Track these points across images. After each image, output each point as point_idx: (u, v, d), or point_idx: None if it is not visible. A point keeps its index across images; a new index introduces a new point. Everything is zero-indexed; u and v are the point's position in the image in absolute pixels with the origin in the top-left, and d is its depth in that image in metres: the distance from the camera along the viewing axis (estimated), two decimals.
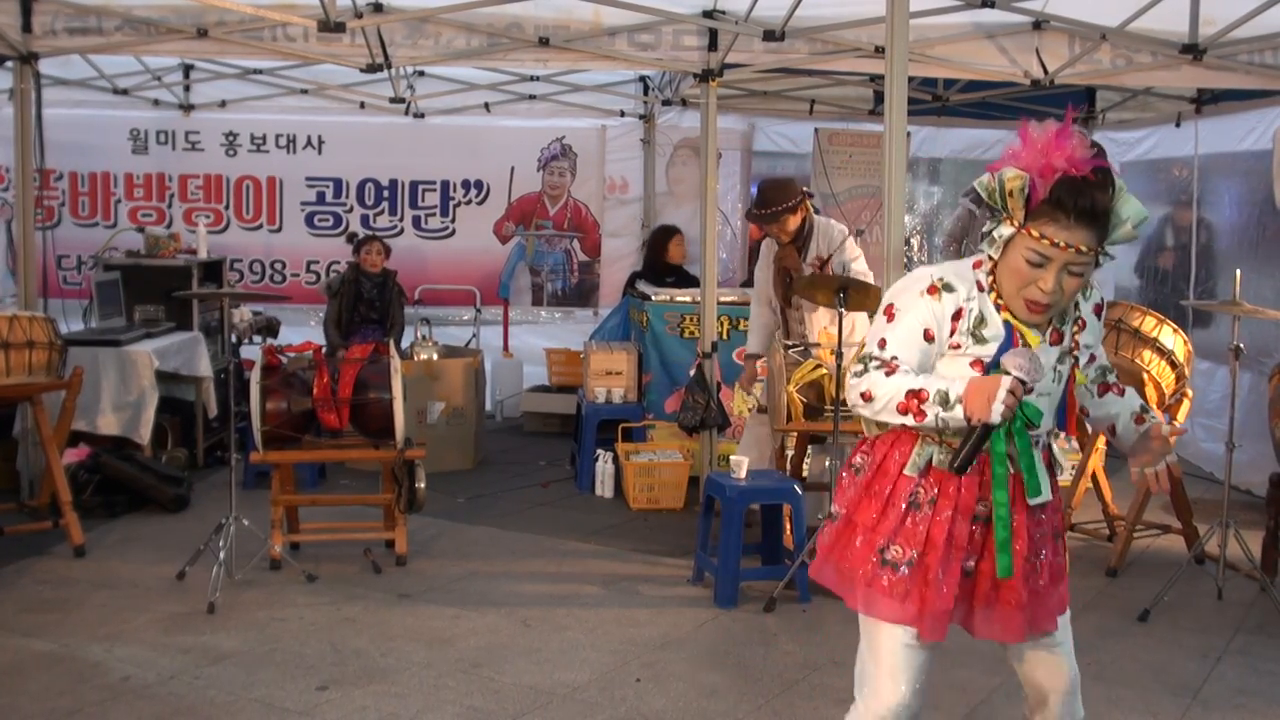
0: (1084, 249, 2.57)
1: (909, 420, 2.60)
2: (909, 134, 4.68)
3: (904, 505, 2.77)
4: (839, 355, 5.55)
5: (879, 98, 9.37)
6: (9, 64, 6.78)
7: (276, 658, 4.78)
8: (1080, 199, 2.55)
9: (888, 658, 2.82)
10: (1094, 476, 6.56)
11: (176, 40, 6.54)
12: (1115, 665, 4.90)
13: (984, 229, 2.73)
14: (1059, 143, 2.58)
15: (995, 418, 2.51)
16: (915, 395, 2.58)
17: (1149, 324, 5.93)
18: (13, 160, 6.94)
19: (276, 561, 5.86)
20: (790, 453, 6.31)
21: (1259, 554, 5.82)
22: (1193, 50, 6.29)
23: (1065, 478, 6.75)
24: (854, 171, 9.99)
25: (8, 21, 6.45)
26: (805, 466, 6.42)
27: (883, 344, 2.69)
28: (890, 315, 2.72)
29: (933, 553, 2.74)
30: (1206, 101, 8.72)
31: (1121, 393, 2.94)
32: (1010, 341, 2.67)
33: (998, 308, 2.70)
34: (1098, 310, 2.87)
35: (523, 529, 6.82)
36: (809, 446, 6.42)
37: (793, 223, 6.35)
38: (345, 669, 4.69)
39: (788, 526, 5.89)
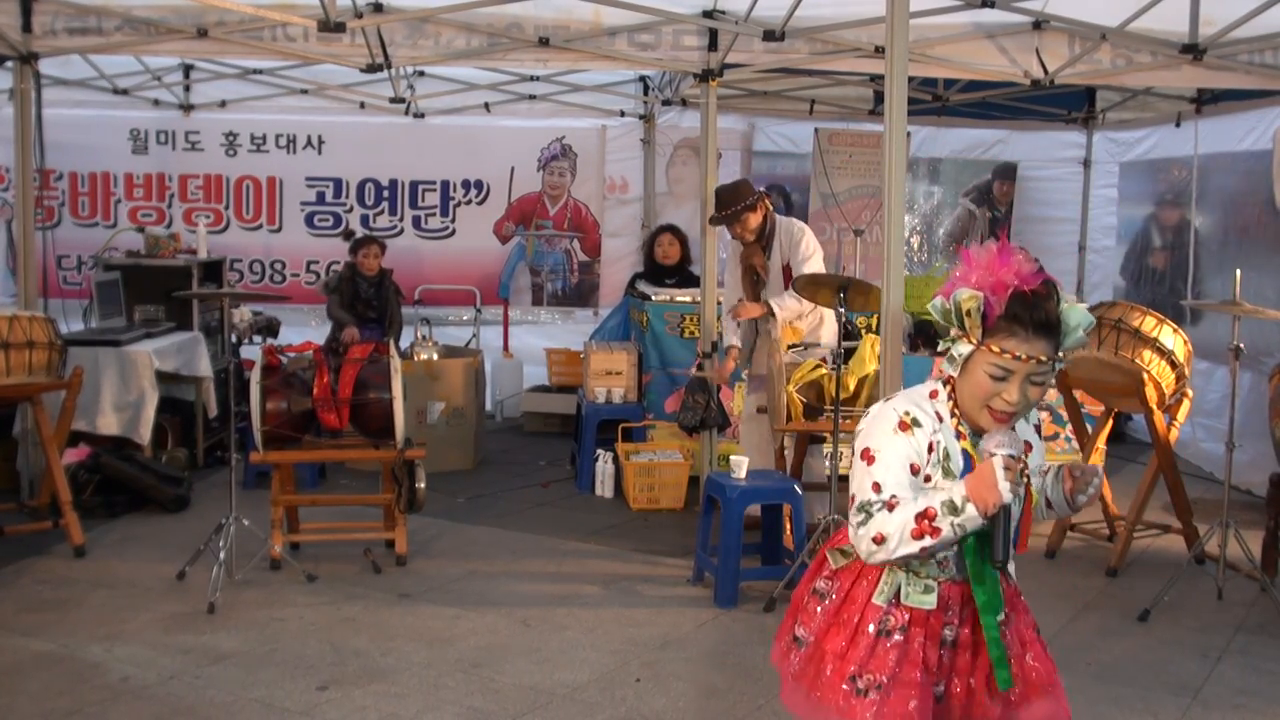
0: (1044, 359, 2.61)
1: (926, 543, 2.59)
2: (909, 134, 4.67)
3: (872, 633, 2.77)
4: (838, 355, 5.56)
5: (879, 98, 9.37)
6: (9, 64, 6.78)
7: (276, 658, 4.79)
8: (1035, 312, 2.61)
9: None
10: None
11: (176, 40, 6.54)
12: (1116, 665, 4.91)
13: (939, 348, 2.77)
14: (1004, 260, 2.63)
15: (1007, 496, 2.53)
16: (923, 516, 2.59)
17: (1149, 324, 5.92)
18: (13, 160, 6.94)
19: (276, 561, 5.86)
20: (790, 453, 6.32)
21: (1259, 554, 5.82)
22: (1193, 50, 6.29)
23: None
24: (854, 171, 9.99)
25: (8, 21, 6.45)
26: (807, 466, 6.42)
27: (877, 487, 2.68)
28: (870, 459, 2.71)
29: (907, 684, 2.74)
30: (1206, 101, 8.73)
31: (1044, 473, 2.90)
32: (969, 469, 2.69)
33: (957, 435, 2.73)
34: (1038, 429, 2.91)
35: (523, 529, 6.82)
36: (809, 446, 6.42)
37: (754, 220, 6.45)
38: (345, 669, 4.69)
39: (788, 526, 5.90)
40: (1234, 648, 5.14)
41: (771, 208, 6.61)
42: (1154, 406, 5.94)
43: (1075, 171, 10.36)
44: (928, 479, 2.69)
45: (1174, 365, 5.92)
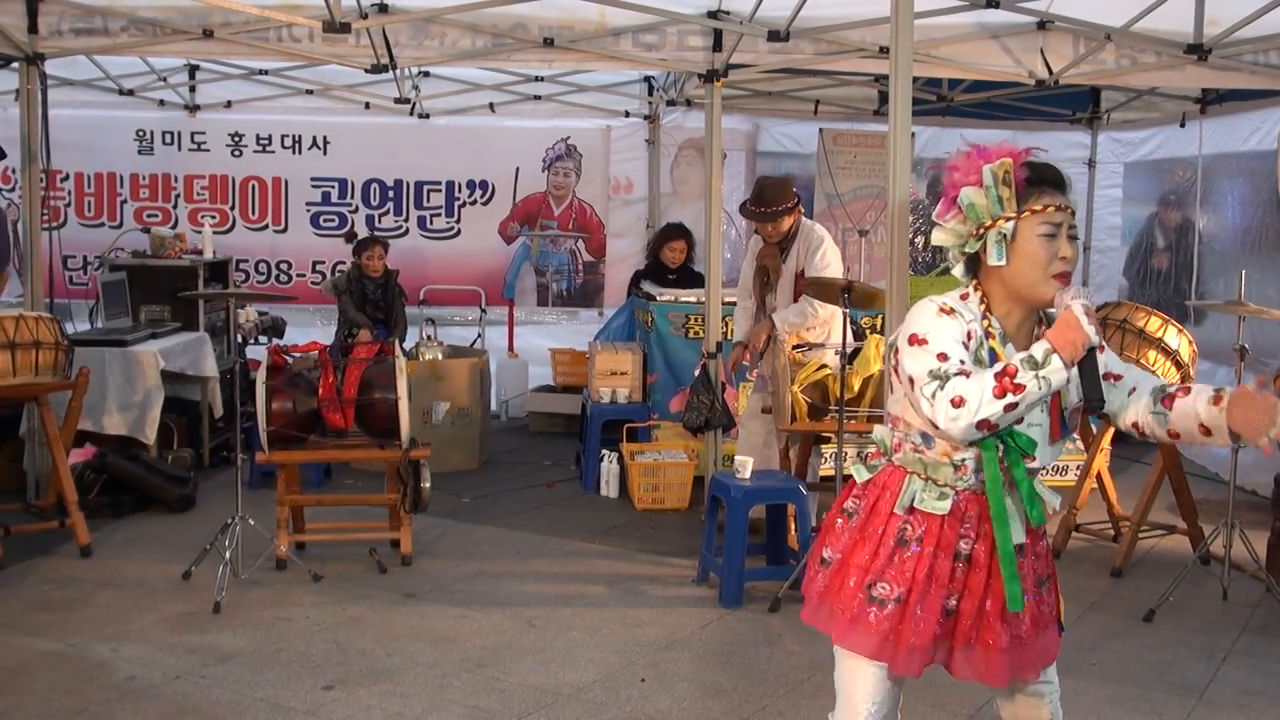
0: (1072, 209, 2.71)
1: (1010, 400, 2.52)
2: (913, 134, 4.68)
3: (893, 543, 2.78)
4: (844, 355, 5.56)
5: (883, 98, 9.38)
6: (15, 65, 6.80)
7: (282, 657, 4.80)
8: (1047, 169, 2.73)
9: (862, 687, 2.85)
10: (1099, 477, 6.56)
11: (182, 41, 6.56)
12: (1120, 665, 4.91)
13: (956, 260, 2.81)
14: (983, 149, 2.74)
15: (1095, 337, 2.56)
16: (1004, 374, 2.54)
17: (1154, 324, 5.93)
18: (19, 161, 6.96)
19: (282, 561, 5.87)
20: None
21: (1264, 554, 5.82)
22: (1197, 50, 6.29)
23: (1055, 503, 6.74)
24: (858, 172, 9.99)
25: (13, 23, 6.46)
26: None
27: (943, 357, 2.63)
28: (922, 340, 2.67)
29: (915, 590, 2.75)
30: (1211, 101, 8.73)
31: (1188, 392, 2.81)
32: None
33: (986, 335, 2.73)
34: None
35: (528, 529, 6.83)
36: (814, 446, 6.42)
37: (786, 223, 6.42)
38: (350, 669, 4.70)
39: (792, 527, 5.90)
40: (1239, 648, 5.14)
41: (801, 213, 6.58)
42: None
43: (1080, 172, 10.36)
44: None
45: (1179, 365, 5.92)
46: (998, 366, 2.57)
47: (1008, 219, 2.68)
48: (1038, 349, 2.55)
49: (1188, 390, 2.79)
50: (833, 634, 2.85)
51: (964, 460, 2.74)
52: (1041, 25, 6.47)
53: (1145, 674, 4.83)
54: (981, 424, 2.55)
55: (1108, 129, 10.23)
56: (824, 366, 6.00)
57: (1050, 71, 6.62)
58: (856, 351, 5.97)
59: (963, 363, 2.63)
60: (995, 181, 2.68)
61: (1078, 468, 7.07)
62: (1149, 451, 7.47)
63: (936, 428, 2.60)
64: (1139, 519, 6.17)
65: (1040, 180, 2.70)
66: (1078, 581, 5.98)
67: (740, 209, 6.66)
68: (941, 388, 2.58)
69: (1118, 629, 5.35)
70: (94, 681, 4.51)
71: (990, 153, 2.71)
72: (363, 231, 9.61)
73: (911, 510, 2.79)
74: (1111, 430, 6.60)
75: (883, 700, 2.86)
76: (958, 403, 2.55)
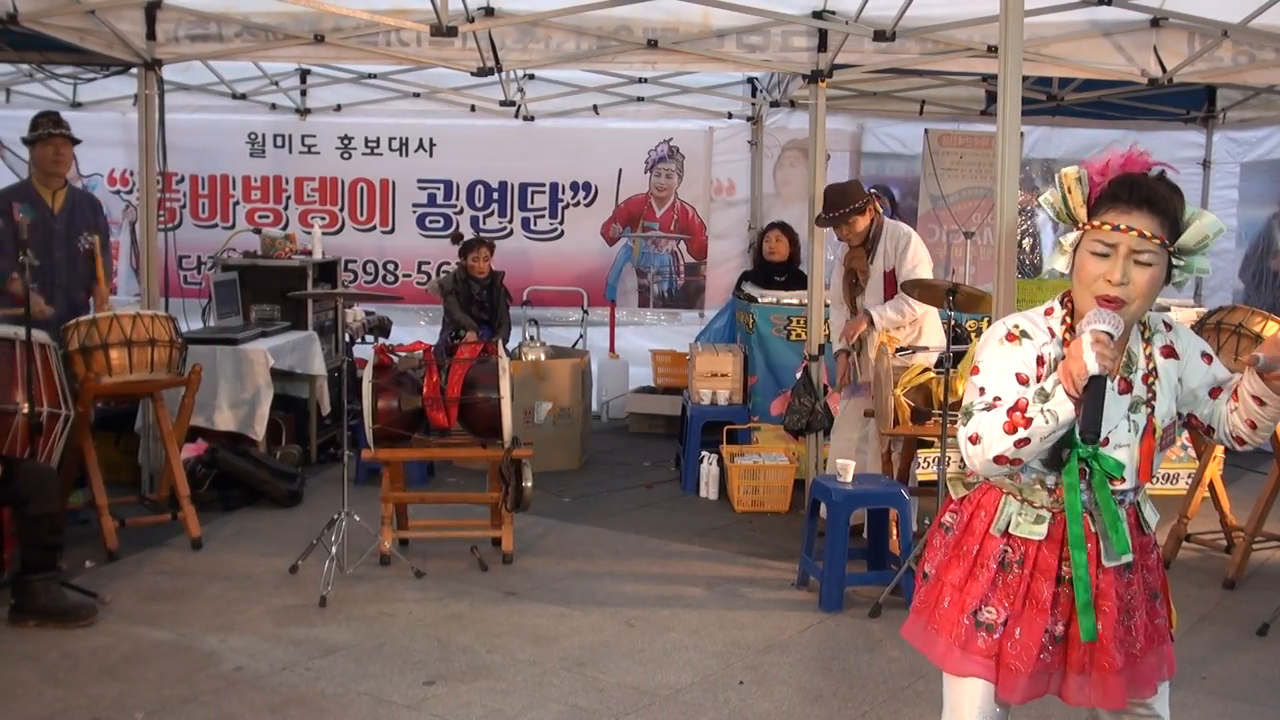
0: (1147, 234, 2.55)
1: (1020, 435, 2.51)
2: (1022, 134, 4.60)
3: (995, 565, 2.74)
4: (947, 359, 5.49)
5: (991, 98, 9.24)
6: (134, 71, 7.00)
7: (385, 651, 4.87)
8: (1137, 189, 2.58)
9: (970, 703, 2.79)
10: (1211, 486, 6.39)
11: (294, 46, 6.70)
12: (1233, 680, 4.77)
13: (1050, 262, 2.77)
14: (1120, 157, 2.67)
15: (1093, 367, 2.44)
16: (1015, 409, 2.53)
17: (1271, 328, 5.76)
18: (137, 164, 7.15)
19: (386, 557, 5.95)
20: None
21: None
22: None
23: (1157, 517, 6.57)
24: (964, 173, 9.86)
25: (133, 29, 6.65)
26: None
27: (981, 392, 2.65)
28: (976, 370, 2.70)
29: (1013, 614, 2.71)
30: None
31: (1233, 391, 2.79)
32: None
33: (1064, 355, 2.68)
34: (1168, 352, 2.77)
35: (627, 529, 6.85)
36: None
37: (860, 224, 6.37)
38: (451, 664, 4.75)
39: (894, 531, 5.84)
40: None
41: (880, 211, 6.54)
42: None
43: (1194, 172, 10.10)
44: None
45: None
46: (1013, 401, 2.54)
47: (1076, 228, 2.65)
48: (1049, 382, 2.52)
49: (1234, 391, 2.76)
50: (935, 656, 2.81)
51: (1058, 483, 2.69)
52: (1155, 22, 6.33)
53: (1259, 690, 4.69)
54: (999, 459, 2.56)
55: (1223, 128, 9.97)
56: (927, 370, 5.93)
57: (1164, 70, 6.47)
58: (960, 355, 5.89)
59: (996, 399, 2.61)
60: (1065, 189, 2.65)
61: (1189, 476, 6.89)
62: (1264, 460, 7.25)
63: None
64: (1254, 529, 5.99)
65: (1115, 196, 2.59)
66: (1189, 592, 5.82)
67: (815, 220, 6.62)
68: (964, 424, 2.61)
69: (1230, 642, 5.20)
70: (203, 671, 4.62)
71: (1113, 161, 2.66)
72: (468, 233, 9.71)
73: (1006, 533, 2.75)
74: None
75: (990, 717, 2.80)
76: (974, 440, 2.58)
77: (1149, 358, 2.72)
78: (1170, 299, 8.26)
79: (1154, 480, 2.84)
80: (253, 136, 10.12)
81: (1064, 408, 2.49)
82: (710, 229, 10.36)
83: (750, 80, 9.61)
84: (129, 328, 6.00)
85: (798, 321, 7.94)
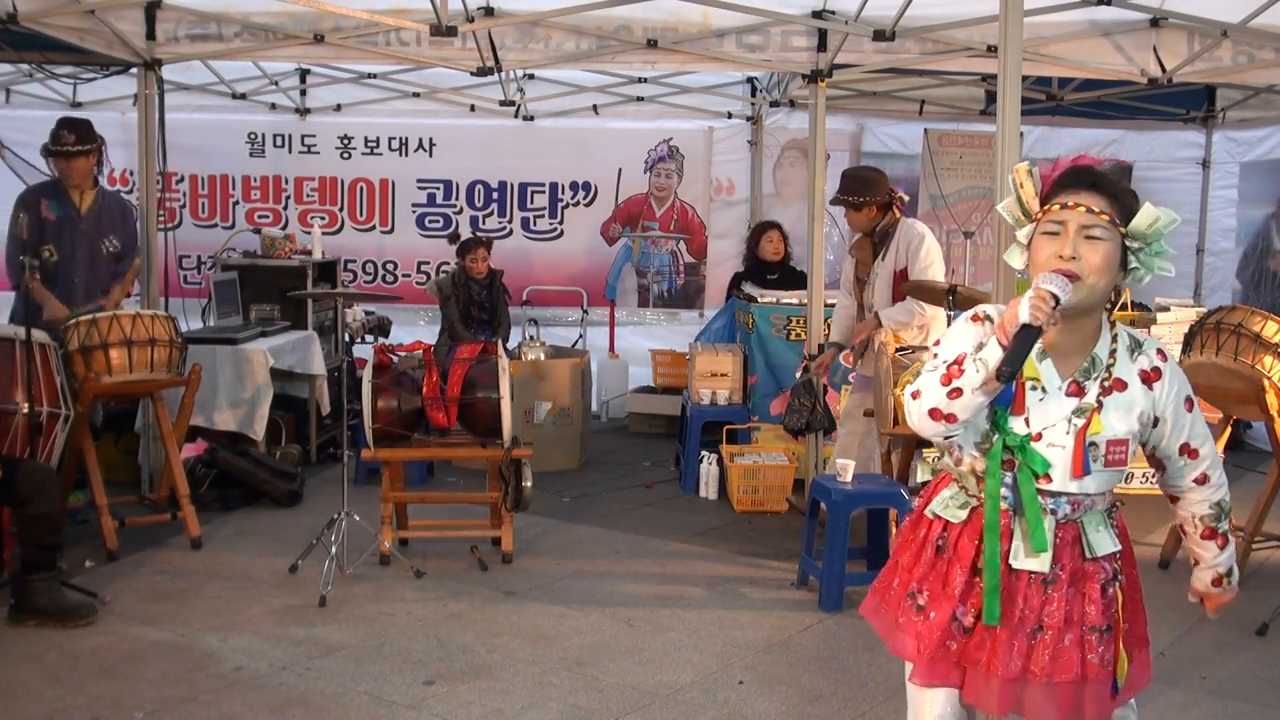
0: (1095, 209, 2.58)
1: (953, 385, 2.53)
2: (1022, 134, 4.61)
3: (932, 552, 2.78)
4: None
5: (991, 98, 9.24)
6: (134, 70, 7.00)
7: (385, 651, 4.87)
8: (1084, 172, 2.65)
9: (923, 704, 2.84)
10: None
11: (293, 46, 6.70)
12: (1231, 680, 4.77)
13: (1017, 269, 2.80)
14: (1070, 158, 2.75)
15: (1025, 315, 2.46)
16: (954, 363, 2.57)
17: (1270, 329, 5.75)
18: (137, 164, 7.16)
19: (386, 557, 5.95)
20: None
21: None
22: None
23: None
24: (964, 173, 9.86)
25: (133, 29, 6.65)
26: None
27: (934, 358, 2.70)
28: (938, 343, 2.78)
29: (934, 596, 2.75)
30: None
31: (1204, 480, 2.88)
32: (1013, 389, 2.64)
33: None
34: (1147, 378, 2.71)
35: (627, 529, 6.85)
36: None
37: (867, 214, 6.37)
38: (451, 664, 4.75)
39: (894, 531, 5.84)
40: None
41: (900, 211, 6.50)
42: (1274, 413, 5.77)
43: (1193, 172, 10.11)
44: None
45: None
46: (953, 358, 2.59)
47: (1030, 223, 2.69)
48: (990, 343, 2.55)
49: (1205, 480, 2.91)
50: (880, 633, 2.88)
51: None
52: (1155, 22, 6.33)
53: (1258, 689, 4.69)
54: (933, 412, 2.59)
55: (1223, 128, 9.98)
56: None
57: (1164, 69, 6.48)
58: None
59: (944, 362, 2.64)
60: (1017, 184, 2.69)
61: None
62: (1264, 460, 7.25)
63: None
64: (1253, 529, 6.00)
65: (1063, 182, 2.64)
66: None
67: (830, 201, 6.64)
68: (912, 384, 2.65)
69: (1229, 642, 5.20)
70: (203, 670, 4.62)
71: (1070, 159, 2.73)
72: (466, 232, 9.71)
73: (938, 516, 2.79)
74: (1226, 437, 6.44)
75: (936, 702, 2.81)
76: (915, 395, 2.63)
77: (1110, 370, 2.69)
78: (1170, 299, 8.27)
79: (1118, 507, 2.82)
80: (252, 136, 10.12)
81: (994, 355, 2.51)
82: (710, 229, 10.36)
83: (750, 80, 9.61)
84: (129, 327, 6.00)
85: (797, 321, 7.94)
